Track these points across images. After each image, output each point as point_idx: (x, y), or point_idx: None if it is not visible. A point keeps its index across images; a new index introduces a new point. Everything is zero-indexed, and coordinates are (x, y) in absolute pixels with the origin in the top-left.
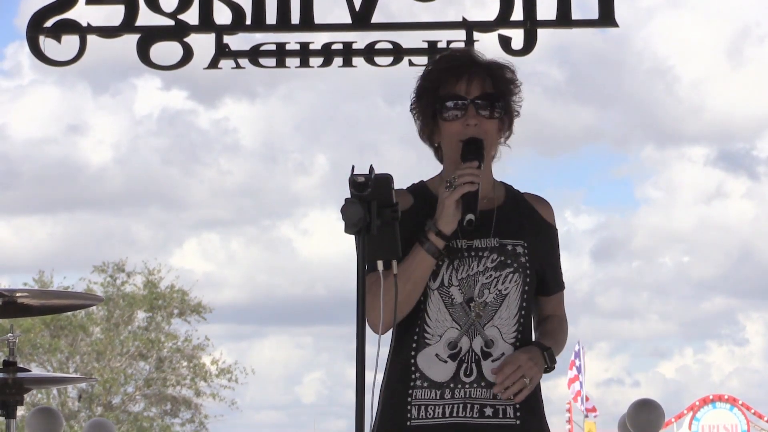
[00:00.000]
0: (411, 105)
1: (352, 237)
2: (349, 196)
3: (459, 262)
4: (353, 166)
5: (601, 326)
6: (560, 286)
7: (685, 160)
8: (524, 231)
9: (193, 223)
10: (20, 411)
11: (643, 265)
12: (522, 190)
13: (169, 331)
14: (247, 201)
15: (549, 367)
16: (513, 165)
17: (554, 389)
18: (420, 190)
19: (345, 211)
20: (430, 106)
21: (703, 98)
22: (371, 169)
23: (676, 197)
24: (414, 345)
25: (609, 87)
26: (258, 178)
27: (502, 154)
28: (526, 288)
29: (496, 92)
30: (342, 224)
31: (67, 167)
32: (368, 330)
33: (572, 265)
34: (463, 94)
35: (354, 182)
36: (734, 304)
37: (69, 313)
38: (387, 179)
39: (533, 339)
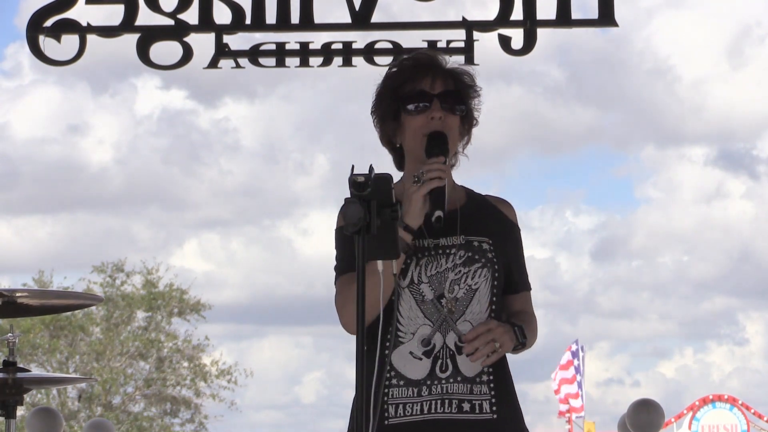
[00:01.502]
0: (372, 108)
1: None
2: (348, 195)
3: (427, 260)
4: (353, 166)
5: (601, 326)
6: (527, 285)
7: (685, 159)
8: (489, 228)
9: (194, 223)
10: (20, 411)
11: (643, 265)
12: (483, 193)
13: (168, 331)
14: (248, 201)
15: (519, 343)
16: (514, 164)
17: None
18: None
19: (345, 210)
20: (393, 104)
21: (703, 98)
22: (371, 168)
23: (676, 197)
24: (388, 344)
25: (609, 87)
26: (258, 178)
27: (463, 162)
28: (496, 282)
29: (459, 92)
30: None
31: (67, 167)
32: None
33: (572, 265)
34: (427, 89)
35: (354, 182)
36: (734, 304)
37: (68, 314)
38: (387, 179)
39: None
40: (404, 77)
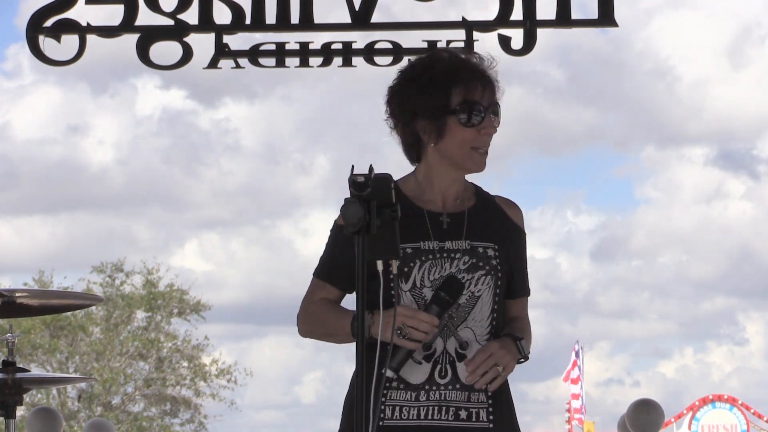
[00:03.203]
0: (404, 93)
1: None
2: (348, 196)
3: (431, 264)
4: (353, 166)
5: (601, 326)
6: (526, 291)
7: (685, 160)
8: (495, 234)
9: (194, 224)
10: (20, 411)
11: (643, 265)
12: (492, 193)
13: (168, 331)
14: (248, 201)
15: (522, 357)
16: (514, 165)
17: (554, 389)
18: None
19: (345, 210)
20: (441, 105)
21: (703, 98)
22: (371, 168)
23: (676, 197)
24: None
25: (610, 87)
26: (258, 178)
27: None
28: (498, 291)
29: (499, 103)
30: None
31: (67, 167)
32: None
33: (572, 265)
34: (480, 100)
35: (354, 182)
36: (734, 304)
37: (68, 314)
38: (387, 179)
39: None
40: (458, 78)
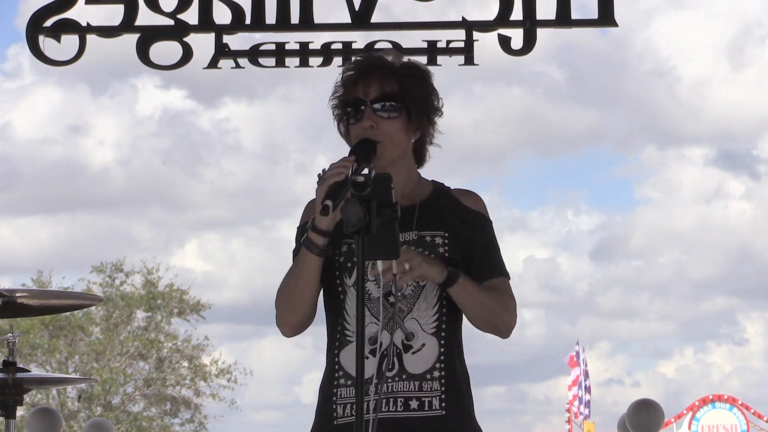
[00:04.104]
0: (332, 114)
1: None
2: (348, 196)
3: None
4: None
5: (601, 326)
6: (494, 272)
7: (685, 160)
8: (446, 222)
9: (194, 224)
10: (20, 411)
11: (643, 265)
12: (453, 187)
13: (168, 331)
14: (248, 201)
15: (450, 272)
16: (515, 165)
17: (554, 389)
18: None
19: (345, 210)
20: (340, 114)
21: (704, 99)
22: (371, 168)
23: (676, 197)
24: (337, 344)
25: (610, 88)
26: (259, 178)
27: (463, 162)
28: None
29: (399, 91)
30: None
31: (68, 168)
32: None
33: (572, 265)
34: (361, 96)
35: (353, 182)
36: (734, 304)
37: (68, 314)
38: (386, 179)
39: (459, 329)
40: (346, 84)
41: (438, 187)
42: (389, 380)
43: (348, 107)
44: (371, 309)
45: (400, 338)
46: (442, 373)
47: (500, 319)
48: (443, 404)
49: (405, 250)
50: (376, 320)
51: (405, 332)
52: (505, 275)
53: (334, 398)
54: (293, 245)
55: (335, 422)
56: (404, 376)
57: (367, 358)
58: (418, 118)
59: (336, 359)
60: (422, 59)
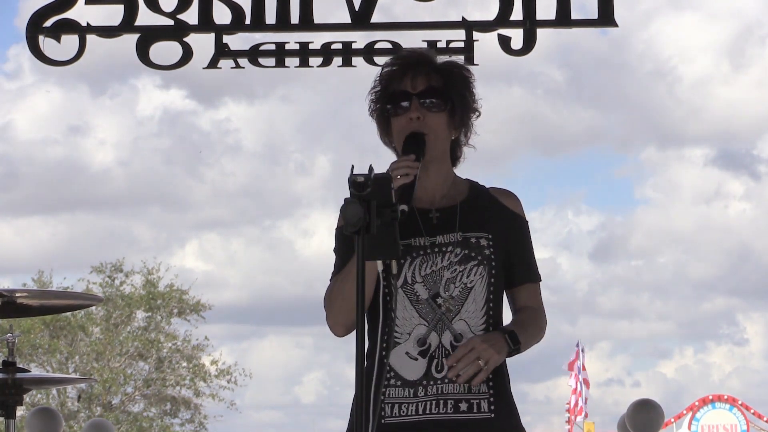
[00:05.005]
0: (369, 108)
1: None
2: (348, 196)
3: (422, 259)
4: (353, 166)
5: (601, 326)
6: (531, 277)
7: (685, 160)
8: (488, 223)
9: (195, 224)
10: (20, 411)
11: (643, 265)
12: (488, 185)
13: (168, 332)
14: (248, 202)
15: (513, 349)
16: (515, 165)
17: (554, 389)
18: None
19: (345, 210)
20: (383, 106)
21: (704, 99)
22: (371, 169)
23: (676, 197)
24: (384, 345)
25: (610, 88)
26: (259, 178)
27: (463, 162)
28: (492, 280)
29: (444, 87)
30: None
31: (68, 168)
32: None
33: (572, 265)
34: (408, 89)
35: (353, 182)
36: (734, 304)
37: (68, 314)
38: (386, 179)
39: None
40: (389, 78)
41: (475, 186)
42: (439, 382)
43: (392, 100)
44: (420, 310)
45: (448, 339)
46: (490, 375)
47: (538, 341)
48: (492, 406)
49: (473, 344)
50: (425, 321)
51: (453, 333)
52: (538, 279)
53: (383, 397)
54: (295, 246)
55: (383, 421)
56: (454, 378)
57: (416, 359)
58: (461, 116)
59: (385, 360)
60: None
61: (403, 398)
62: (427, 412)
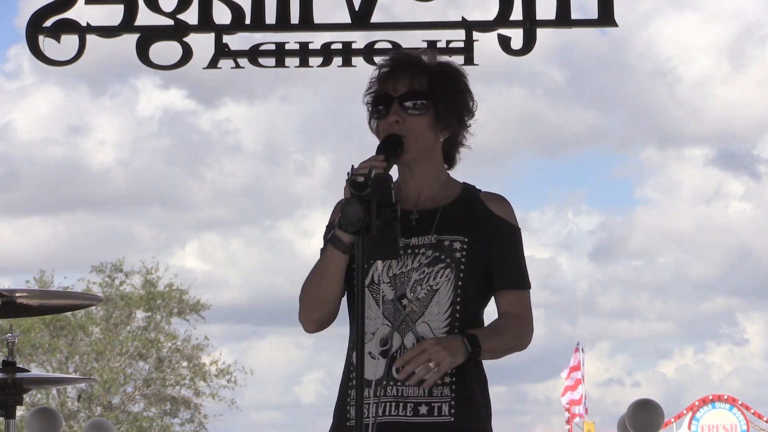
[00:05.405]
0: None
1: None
2: (348, 196)
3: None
4: (353, 166)
5: (601, 326)
6: (513, 283)
7: (685, 160)
8: (468, 226)
9: (195, 224)
10: (19, 411)
11: (643, 265)
12: (483, 190)
13: (168, 331)
14: (248, 202)
15: (471, 352)
16: (515, 165)
17: (554, 389)
18: None
19: (345, 210)
20: (371, 108)
21: (704, 99)
22: (371, 169)
23: (676, 197)
24: (351, 344)
25: (610, 88)
26: (259, 179)
27: (464, 163)
28: (460, 283)
29: (428, 90)
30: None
31: (68, 168)
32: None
33: (572, 265)
34: (390, 92)
35: (353, 182)
36: (734, 304)
37: (68, 314)
38: (386, 179)
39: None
40: (378, 80)
41: (468, 190)
42: (399, 383)
43: (374, 103)
44: (384, 311)
45: (411, 341)
46: (453, 378)
47: (518, 349)
48: (452, 410)
49: (425, 346)
50: (389, 322)
51: (416, 335)
52: (523, 287)
53: (348, 399)
54: (295, 246)
55: (348, 423)
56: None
57: (376, 359)
58: (445, 118)
59: (351, 360)
60: None
61: (364, 399)
62: (386, 413)
